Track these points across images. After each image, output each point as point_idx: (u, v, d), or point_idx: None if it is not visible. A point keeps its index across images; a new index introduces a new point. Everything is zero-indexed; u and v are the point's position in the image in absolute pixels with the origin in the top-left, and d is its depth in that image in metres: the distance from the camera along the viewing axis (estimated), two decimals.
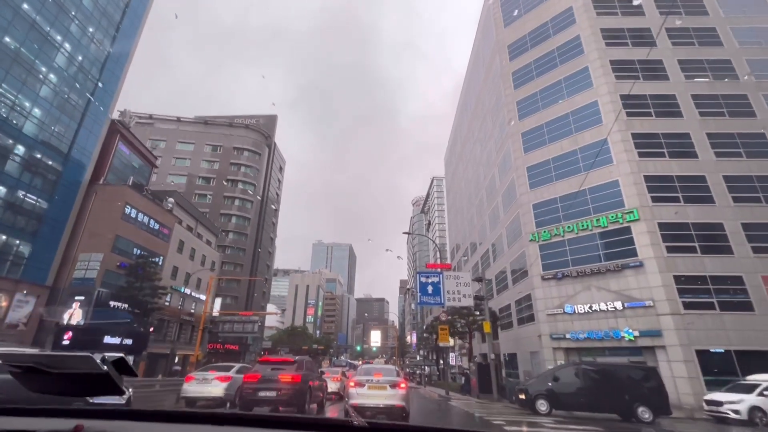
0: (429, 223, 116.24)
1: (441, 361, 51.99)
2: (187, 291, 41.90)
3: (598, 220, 23.80)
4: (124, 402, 6.14)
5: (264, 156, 67.86)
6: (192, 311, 43.13)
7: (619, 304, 21.70)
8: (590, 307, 22.74)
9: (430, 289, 22.09)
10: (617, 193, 23.55)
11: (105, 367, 1.04)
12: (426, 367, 62.64)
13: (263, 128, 69.79)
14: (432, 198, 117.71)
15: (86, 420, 1.29)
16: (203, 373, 12.73)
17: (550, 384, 15.30)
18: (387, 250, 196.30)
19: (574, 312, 23.33)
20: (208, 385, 12.16)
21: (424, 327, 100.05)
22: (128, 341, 31.47)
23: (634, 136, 24.39)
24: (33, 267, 27.17)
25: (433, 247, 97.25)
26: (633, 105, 25.32)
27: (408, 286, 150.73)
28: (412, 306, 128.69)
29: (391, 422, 1.61)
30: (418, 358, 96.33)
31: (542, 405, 14.96)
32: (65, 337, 27.32)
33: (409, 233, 28.55)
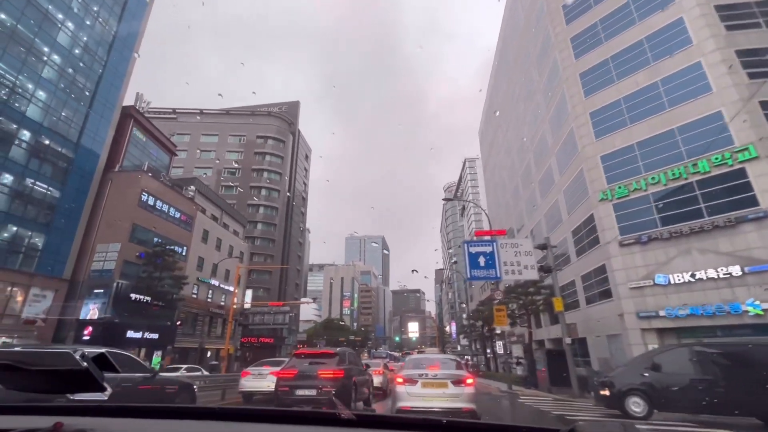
0: (463, 208, 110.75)
1: (488, 350, 47.66)
2: (215, 282, 40.05)
3: (695, 164, 18.59)
4: (106, 398, 4.91)
5: (288, 143, 65.53)
6: (222, 304, 41.35)
7: (736, 269, 16.59)
8: (692, 276, 17.73)
9: (482, 261, 17.92)
10: (721, 128, 18.19)
11: (85, 364, 0.99)
12: (471, 357, 58.41)
13: (286, 115, 67.43)
14: (465, 181, 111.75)
15: (66, 417, 1.21)
16: (258, 369, 13.02)
17: (646, 374, 10.74)
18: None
19: (669, 283, 18.40)
20: (264, 380, 12.23)
21: (464, 315, 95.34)
22: (153, 335, 29.73)
23: (740, 53, 18.81)
24: (49, 259, 25.61)
25: (469, 225, 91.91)
26: (733, 16, 19.67)
27: (445, 274, 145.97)
28: (449, 295, 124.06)
29: (379, 414, 1.41)
30: (458, 348, 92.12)
31: (636, 405, 10.48)
32: (85, 332, 25.74)
33: (449, 199, 24.10)
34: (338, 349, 9.75)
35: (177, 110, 62.22)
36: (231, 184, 59.14)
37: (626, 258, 20.12)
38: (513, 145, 40.89)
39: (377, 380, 13.71)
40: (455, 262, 39.28)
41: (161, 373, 9.10)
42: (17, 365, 0.99)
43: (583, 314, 24.32)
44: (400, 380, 7.98)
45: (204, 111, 63.68)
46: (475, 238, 19.78)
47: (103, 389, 1.05)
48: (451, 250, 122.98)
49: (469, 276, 17.86)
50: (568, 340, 16.24)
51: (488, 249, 18.10)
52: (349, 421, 1.22)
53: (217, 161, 59.94)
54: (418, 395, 7.66)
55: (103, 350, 5.28)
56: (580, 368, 17.03)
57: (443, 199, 28.73)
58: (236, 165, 60.37)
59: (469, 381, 7.99)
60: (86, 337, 25.36)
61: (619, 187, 21.07)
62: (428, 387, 7.76)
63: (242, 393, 12.65)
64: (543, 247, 18.00)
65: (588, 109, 23.78)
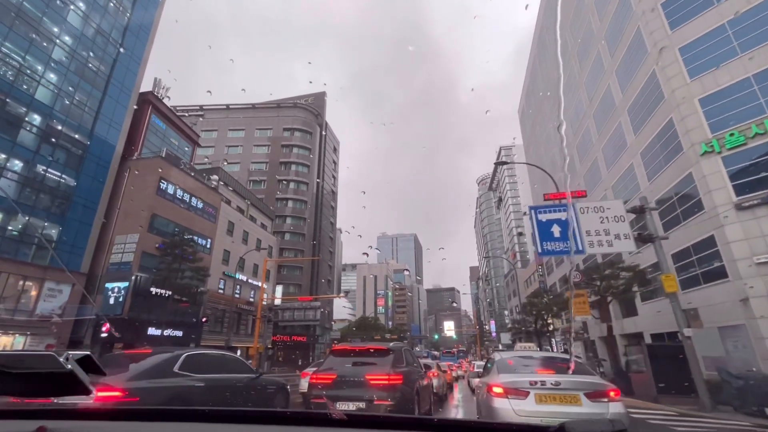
0: (500, 200, 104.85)
1: (539, 349, 42.73)
2: (243, 277, 37.93)
3: None
4: (91, 401, 4.01)
5: (316, 135, 63.23)
6: (251, 300, 39.23)
7: None
8: None
9: (556, 231, 13.77)
10: None
11: (69, 366, 0.96)
12: None
13: (312, 106, 65.20)
14: (501, 170, 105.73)
15: (50, 421, 1.22)
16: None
17: None
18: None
19: None
20: None
21: (507, 312, 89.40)
22: (177, 333, 27.72)
23: None
24: (64, 251, 24.00)
25: (507, 218, 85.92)
26: None
27: (481, 270, 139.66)
28: (486, 292, 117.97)
29: (371, 414, 1.43)
30: (500, 347, 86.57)
31: None
32: (103, 329, 23.86)
33: (502, 163, 19.78)
34: (392, 344, 7.18)
35: (204, 107, 61.56)
36: (259, 179, 57.56)
37: (748, 225, 15.29)
38: (564, 115, 35.88)
39: (434, 383, 10.53)
40: (521, 234, 34.64)
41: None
42: None
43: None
44: (498, 390, 4.92)
45: (230, 106, 62.68)
46: (544, 202, 15.77)
47: (88, 392, 1.00)
48: (486, 245, 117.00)
49: (540, 251, 13.76)
50: (688, 332, 11.83)
51: (564, 215, 13.96)
52: (341, 421, 1.19)
53: (231, 158, 58.47)
54: (534, 415, 4.70)
55: (216, 352, 6.81)
56: (728, 371, 12.44)
57: (497, 163, 23.56)
58: (264, 159, 58.74)
59: (612, 393, 4.83)
60: (104, 334, 23.52)
61: (731, 135, 16.20)
62: (548, 403, 4.74)
63: (303, 395, 11.95)
64: (639, 210, 13.62)
65: (676, 44, 18.90)
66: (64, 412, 1.37)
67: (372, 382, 5.88)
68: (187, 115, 59.60)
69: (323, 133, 66.22)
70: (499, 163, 17.19)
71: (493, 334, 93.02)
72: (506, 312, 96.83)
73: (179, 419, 1.32)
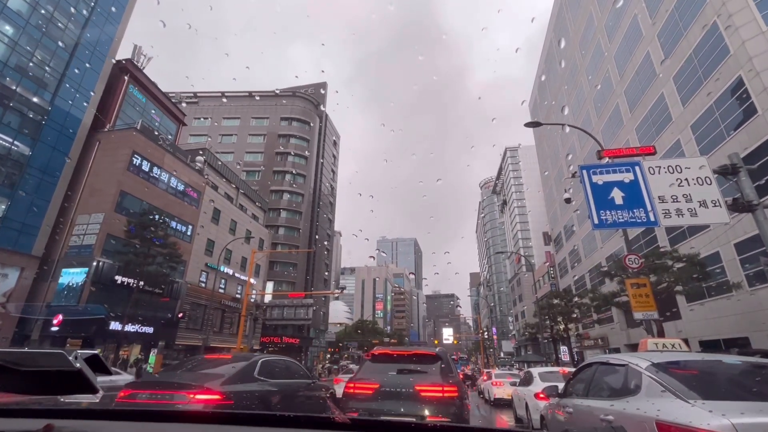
0: (504, 203, 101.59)
1: (554, 356, 39.01)
2: (229, 271, 34.41)
3: None
4: (97, 401, 2.20)
5: (315, 126, 60.01)
6: (238, 296, 35.70)
7: None
8: None
9: (617, 197, 10.27)
10: None
11: (78, 365, 0.95)
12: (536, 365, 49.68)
13: (312, 96, 62.04)
14: (506, 173, 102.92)
15: (57, 419, 1.22)
16: (350, 375, 10.83)
17: None
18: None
19: None
20: None
21: (512, 317, 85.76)
22: (147, 329, 24.18)
23: None
24: (12, 230, 20.57)
25: (512, 220, 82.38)
26: None
27: (482, 276, 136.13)
28: (487, 298, 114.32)
29: (373, 418, 1.42)
30: (502, 355, 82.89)
31: None
32: (54, 322, 20.35)
33: (536, 124, 16.18)
34: (437, 348, 6.03)
35: (197, 93, 58.42)
36: (253, 170, 54.22)
37: None
38: (587, 96, 32.62)
39: None
40: (569, 200, 31.15)
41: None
42: (7, 366, 0.94)
43: (743, 302, 16.01)
44: None
45: (225, 94, 59.52)
46: (605, 160, 12.36)
47: (95, 391, 1.00)
48: (488, 250, 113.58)
49: (596, 222, 10.21)
50: None
51: (628, 176, 10.47)
52: (344, 425, 1.19)
53: (224, 147, 55.25)
54: None
55: (280, 358, 6.50)
56: None
57: (526, 124, 19.07)
58: (259, 149, 55.46)
59: None
60: (55, 328, 20.00)
61: None
62: None
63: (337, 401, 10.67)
64: (731, 169, 10.16)
65: None
66: (71, 411, 1.37)
67: (423, 394, 5.04)
68: (199, 98, 56.70)
69: (323, 124, 63.03)
70: (529, 124, 14.13)
71: (496, 343, 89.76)
72: (510, 318, 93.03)
73: (185, 420, 1.30)
